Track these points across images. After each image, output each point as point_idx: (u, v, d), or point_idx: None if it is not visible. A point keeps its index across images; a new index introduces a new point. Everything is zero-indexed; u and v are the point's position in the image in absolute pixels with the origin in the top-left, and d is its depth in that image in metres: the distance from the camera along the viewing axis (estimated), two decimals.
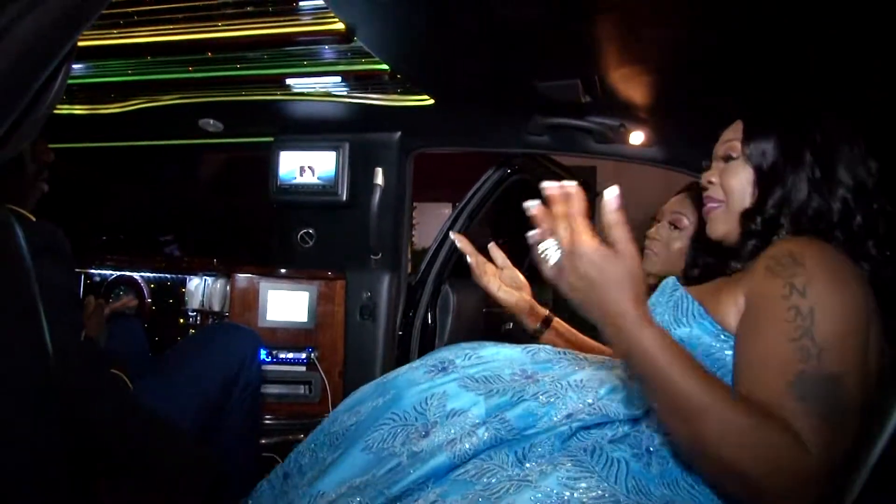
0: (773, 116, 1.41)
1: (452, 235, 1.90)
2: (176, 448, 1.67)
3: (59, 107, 2.71)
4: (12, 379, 1.10)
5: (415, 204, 8.16)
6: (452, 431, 1.30)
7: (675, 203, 2.17)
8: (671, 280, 1.44)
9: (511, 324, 3.48)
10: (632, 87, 2.14)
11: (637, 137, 2.45)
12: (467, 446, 1.27)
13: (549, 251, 1.16)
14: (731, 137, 1.43)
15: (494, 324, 3.40)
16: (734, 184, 1.40)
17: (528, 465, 1.25)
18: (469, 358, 1.51)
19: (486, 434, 1.28)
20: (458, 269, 3.24)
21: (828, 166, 1.33)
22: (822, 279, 1.15)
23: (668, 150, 2.44)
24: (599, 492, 1.18)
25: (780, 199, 1.33)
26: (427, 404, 1.38)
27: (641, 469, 1.23)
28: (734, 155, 1.41)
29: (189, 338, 2.31)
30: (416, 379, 1.47)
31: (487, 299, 3.31)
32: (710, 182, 1.45)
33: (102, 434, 1.41)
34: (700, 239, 1.62)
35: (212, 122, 2.78)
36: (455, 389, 1.40)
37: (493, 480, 1.23)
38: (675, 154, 2.43)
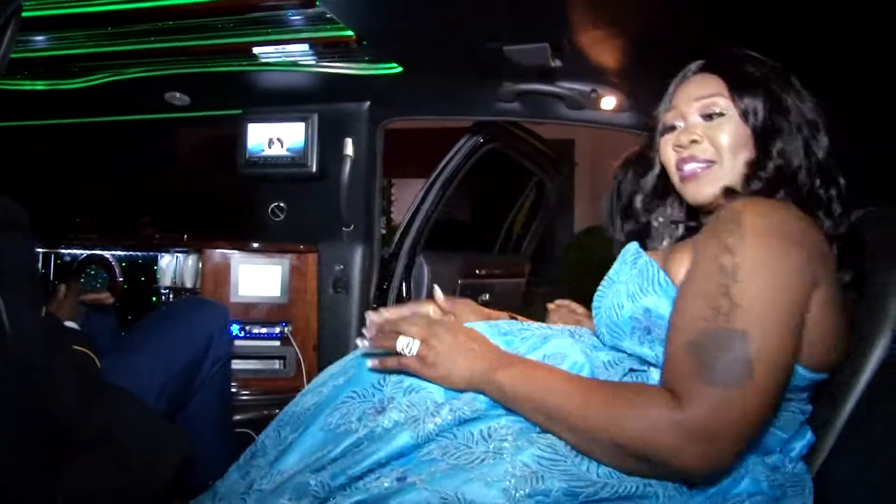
0: (757, 72, 1.35)
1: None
2: (144, 425, 1.65)
3: (20, 83, 2.67)
4: None
5: (393, 180, 8.20)
6: (413, 410, 1.27)
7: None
8: (633, 246, 1.39)
9: (487, 295, 3.47)
10: (603, 50, 2.12)
11: (609, 103, 2.43)
12: (431, 427, 1.23)
13: (407, 347, 1.31)
14: (708, 93, 1.35)
15: (470, 296, 3.39)
16: (727, 141, 1.32)
17: (494, 443, 1.22)
18: None
19: (450, 415, 1.24)
20: (431, 242, 3.23)
21: (809, 123, 1.32)
22: (755, 236, 1.13)
23: (640, 116, 2.42)
24: (572, 476, 1.15)
25: (780, 152, 1.29)
26: (385, 380, 1.34)
27: None
28: (720, 111, 1.33)
29: (155, 313, 2.27)
30: (375, 354, 1.43)
31: (463, 271, 3.31)
32: (694, 140, 1.35)
33: (67, 411, 1.39)
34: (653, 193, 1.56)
35: (178, 95, 2.73)
36: None
37: (461, 455, 1.21)
38: (647, 119, 2.41)
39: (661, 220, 1.57)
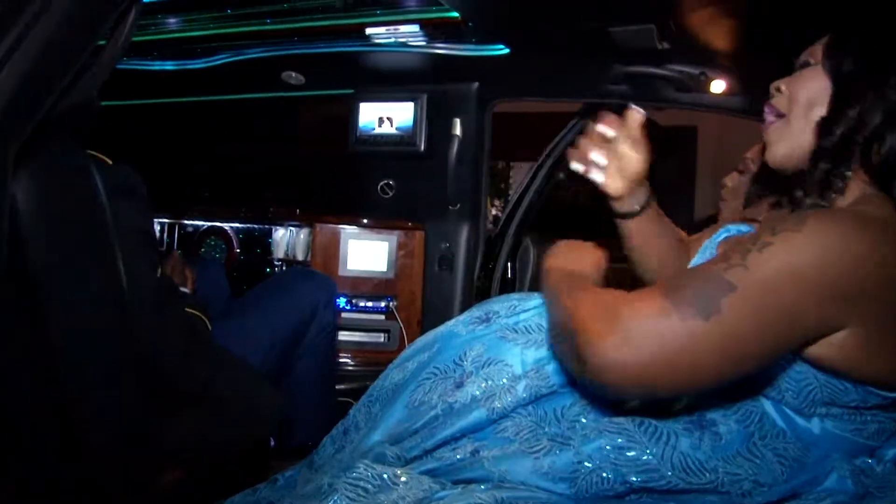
0: (864, 31, 1.24)
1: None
2: (246, 385, 1.73)
3: (151, 63, 2.83)
4: (89, 315, 1.17)
5: (511, 164, 8.17)
6: (488, 385, 1.29)
7: (750, 151, 2.13)
8: (732, 227, 1.38)
9: None
10: (711, 31, 2.08)
11: (719, 86, 2.39)
12: (505, 402, 1.25)
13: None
14: (815, 45, 1.27)
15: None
16: (803, 92, 1.23)
17: (565, 423, 1.23)
18: (514, 308, 1.44)
19: (525, 392, 1.25)
20: (539, 223, 3.23)
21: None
22: (808, 239, 1.02)
23: (751, 100, 2.36)
24: (642, 464, 1.16)
25: (856, 116, 1.16)
26: (465, 356, 1.35)
27: (692, 444, 1.18)
28: (810, 60, 1.25)
29: (265, 282, 2.37)
30: (458, 331, 1.43)
31: None
32: (778, 90, 1.29)
33: (174, 366, 1.48)
34: (760, 174, 1.50)
35: (293, 74, 2.83)
36: (493, 340, 1.36)
37: (531, 437, 1.22)
38: (761, 103, 2.35)
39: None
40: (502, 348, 1.34)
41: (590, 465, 1.17)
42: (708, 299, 1.00)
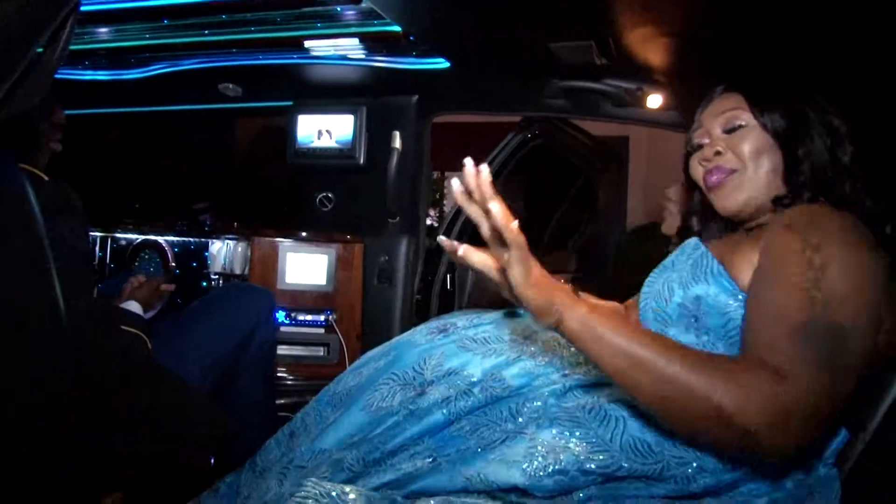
0: (776, 85, 1.40)
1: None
2: (188, 405, 1.70)
3: (83, 73, 2.76)
4: (26, 335, 1.14)
5: (446, 173, 8.19)
6: (448, 390, 1.33)
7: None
8: (694, 240, 1.45)
9: None
10: (648, 49, 2.12)
11: (655, 101, 2.43)
12: (462, 403, 1.30)
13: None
14: (729, 108, 1.40)
15: None
16: (749, 149, 1.36)
17: (521, 419, 1.27)
18: (471, 321, 1.52)
19: (482, 393, 1.31)
20: (478, 235, 3.24)
21: (832, 128, 1.34)
22: (838, 239, 1.15)
23: (686, 114, 2.41)
24: (592, 446, 1.20)
25: (807, 154, 1.33)
26: (425, 364, 1.40)
27: (640, 428, 1.23)
28: (742, 123, 1.38)
29: (203, 298, 2.34)
30: (416, 340, 1.49)
31: None
32: (718, 153, 1.39)
33: (114, 390, 1.45)
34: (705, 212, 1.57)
35: (231, 86, 2.79)
36: (453, 349, 1.41)
37: (487, 433, 1.26)
38: (692, 117, 2.41)
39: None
40: (462, 357, 1.39)
41: (544, 450, 1.21)
42: (836, 352, 1.08)
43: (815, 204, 1.29)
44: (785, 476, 1.24)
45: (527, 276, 1.09)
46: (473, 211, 1.12)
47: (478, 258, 1.12)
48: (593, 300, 1.77)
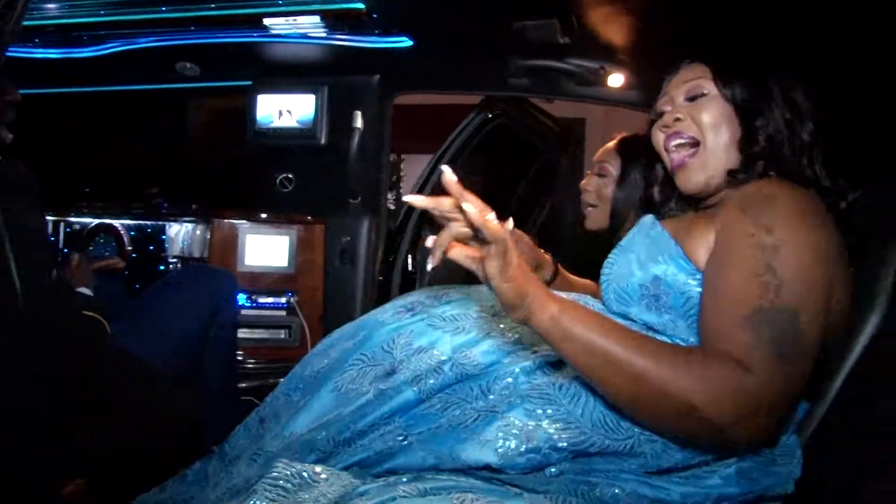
0: (741, 58, 1.41)
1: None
2: (152, 390, 1.68)
3: (33, 51, 2.68)
4: None
5: (403, 156, 8.17)
6: (418, 368, 1.32)
7: (601, 153, 2.20)
8: (650, 218, 1.45)
9: None
10: (610, 27, 2.12)
11: (617, 80, 2.44)
12: (432, 381, 1.29)
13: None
14: (693, 77, 1.41)
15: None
16: (708, 119, 1.37)
17: (492, 396, 1.27)
18: (438, 298, 1.52)
19: (452, 372, 1.30)
20: (435, 223, 3.23)
21: (793, 104, 1.35)
22: (790, 219, 1.17)
23: (647, 93, 2.42)
24: (563, 423, 1.21)
25: (764, 126, 1.34)
26: (394, 343, 1.39)
27: (611, 404, 1.24)
28: (704, 92, 1.39)
29: (163, 281, 2.30)
30: (384, 320, 1.48)
31: None
32: (678, 119, 1.40)
33: (76, 373, 1.42)
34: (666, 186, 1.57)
35: (188, 65, 2.74)
36: (422, 328, 1.41)
37: (458, 412, 1.26)
38: (655, 97, 2.42)
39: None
40: (431, 335, 1.39)
41: (516, 429, 1.21)
42: (793, 337, 1.11)
43: (769, 180, 1.30)
44: (750, 450, 1.26)
45: (504, 270, 1.08)
46: (446, 208, 1.08)
47: (455, 252, 1.10)
48: (571, 277, 1.78)
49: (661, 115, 1.47)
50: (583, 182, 2.25)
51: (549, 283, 1.73)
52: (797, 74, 1.40)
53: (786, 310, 1.10)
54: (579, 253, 1.98)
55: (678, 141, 1.40)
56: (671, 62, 1.52)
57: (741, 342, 1.10)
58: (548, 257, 1.74)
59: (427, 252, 1.08)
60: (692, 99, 1.40)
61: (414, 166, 7.62)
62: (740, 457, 1.25)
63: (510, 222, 1.52)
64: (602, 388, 1.15)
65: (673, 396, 1.08)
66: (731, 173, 1.35)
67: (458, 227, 1.07)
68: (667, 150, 1.43)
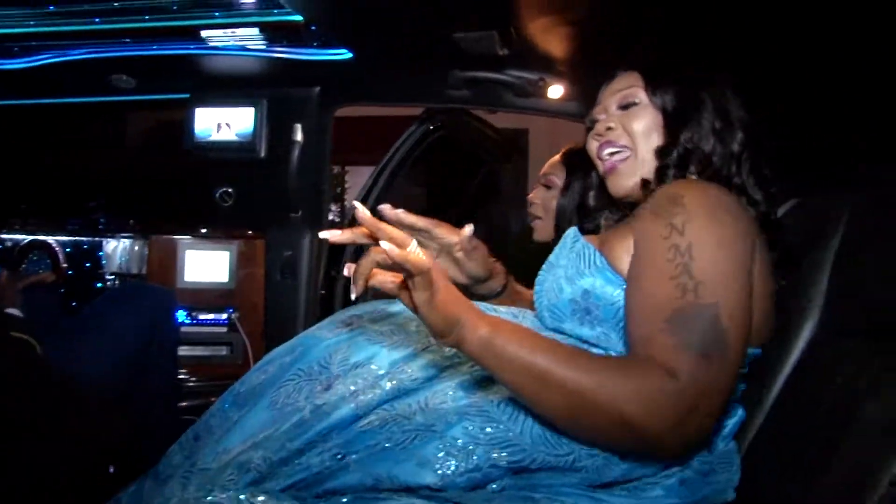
0: (673, 67, 1.45)
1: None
2: (84, 412, 1.63)
3: None
4: None
5: (347, 168, 8.14)
6: (356, 383, 1.30)
7: (547, 166, 2.25)
8: (572, 231, 1.46)
9: None
10: (550, 39, 2.13)
11: (556, 91, 2.45)
12: (370, 397, 1.27)
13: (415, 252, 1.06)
14: (626, 86, 1.44)
15: None
16: (640, 127, 1.40)
17: (430, 412, 1.25)
18: (377, 313, 1.50)
19: (389, 384, 1.29)
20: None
21: (725, 114, 1.38)
22: (701, 216, 1.18)
23: (587, 104, 2.43)
24: (503, 441, 1.20)
25: (690, 138, 1.36)
26: (331, 358, 1.37)
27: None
28: (636, 101, 1.42)
29: (99, 300, 2.25)
30: (322, 335, 1.46)
31: None
32: (610, 128, 1.43)
33: (5, 396, 1.37)
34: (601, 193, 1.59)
35: (124, 77, 2.68)
36: (359, 343, 1.39)
37: (396, 429, 1.24)
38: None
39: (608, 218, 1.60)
40: (368, 350, 1.37)
41: (455, 450, 1.20)
42: (716, 335, 1.11)
43: (676, 181, 1.33)
44: (691, 457, 1.26)
45: (430, 299, 1.07)
46: (366, 242, 1.08)
47: (378, 280, 1.09)
48: (520, 289, 1.77)
49: (595, 121, 1.50)
50: (530, 195, 2.27)
51: (498, 294, 1.73)
52: (731, 84, 1.43)
53: (705, 309, 1.11)
54: (524, 264, 1.98)
55: (610, 149, 1.43)
56: (609, 73, 1.54)
57: (665, 346, 1.10)
58: (500, 268, 1.73)
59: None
60: (625, 108, 1.43)
61: (358, 178, 7.59)
62: (681, 467, 1.25)
63: (469, 227, 1.54)
64: (537, 406, 1.15)
65: (606, 408, 1.08)
66: (644, 183, 1.38)
67: (379, 254, 1.05)
68: (600, 157, 1.46)
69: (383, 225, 1.05)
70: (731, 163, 1.37)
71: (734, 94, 1.42)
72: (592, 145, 1.49)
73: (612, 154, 1.44)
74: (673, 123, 1.38)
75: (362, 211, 1.05)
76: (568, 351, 1.16)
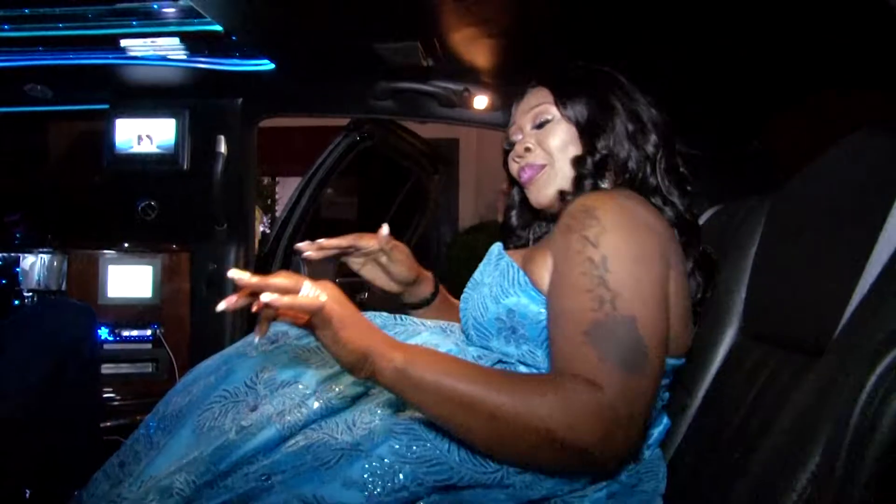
0: (580, 78, 1.45)
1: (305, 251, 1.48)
2: None
3: None
4: None
5: (277, 179, 8.08)
6: (282, 403, 1.27)
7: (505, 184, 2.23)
8: (497, 247, 1.45)
9: (366, 294, 3.46)
10: (474, 49, 2.15)
11: (481, 102, 2.47)
12: (297, 417, 1.24)
13: (313, 292, 1.04)
14: (537, 103, 1.44)
15: (348, 294, 3.37)
16: (556, 143, 1.39)
17: (357, 430, 1.23)
18: (304, 330, 1.46)
19: (317, 404, 1.26)
20: (311, 239, 3.19)
21: (636, 116, 1.39)
22: (614, 227, 1.18)
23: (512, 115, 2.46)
24: (430, 460, 1.19)
25: (606, 146, 1.36)
26: (258, 378, 1.33)
27: None
28: (548, 118, 1.41)
29: (14, 318, 2.17)
30: (248, 353, 1.42)
31: (340, 269, 3.30)
32: (528, 149, 1.43)
33: None
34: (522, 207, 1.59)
35: (39, 87, 2.60)
36: (286, 361, 1.36)
37: (322, 449, 1.22)
38: None
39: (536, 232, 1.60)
40: (295, 369, 1.34)
41: (382, 469, 1.18)
42: (635, 347, 1.11)
43: (587, 194, 1.31)
44: (619, 469, 1.27)
45: (335, 335, 1.06)
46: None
47: (284, 322, 1.06)
48: (451, 299, 1.76)
49: (512, 143, 1.49)
50: (498, 203, 2.27)
51: (429, 302, 1.70)
52: (640, 86, 1.44)
53: (623, 320, 1.11)
54: (452, 273, 1.98)
55: (531, 173, 1.42)
56: (520, 91, 1.55)
57: (587, 360, 1.10)
58: (428, 274, 1.72)
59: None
60: (539, 126, 1.43)
61: (289, 189, 7.55)
62: (609, 481, 1.25)
63: (384, 227, 1.54)
64: (461, 433, 1.12)
65: (531, 428, 1.07)
66: (562, 194, 1.38)
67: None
68: (519, 177, 1.46)
69: (267, 280, 1.01)
70: (646, 164, 1.38)
71: (643, 93, 1.44)
72: (513, 167, 1.48)
73: (531, 173, 1.43)
74: (587, 134, 1.38)
75: (240, 277, 1.01)
76: (487, 373, 1.16)
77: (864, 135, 1.20)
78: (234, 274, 1.02)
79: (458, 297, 1.86)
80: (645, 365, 1.10)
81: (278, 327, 1.48)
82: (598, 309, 1.12)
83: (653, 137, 1.38)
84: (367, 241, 1.56)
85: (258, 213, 4.56)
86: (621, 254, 1.15)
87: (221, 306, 1.02)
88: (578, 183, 1.36)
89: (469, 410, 1.08)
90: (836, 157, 1.28)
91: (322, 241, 1.34)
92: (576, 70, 1.47)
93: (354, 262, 1.61)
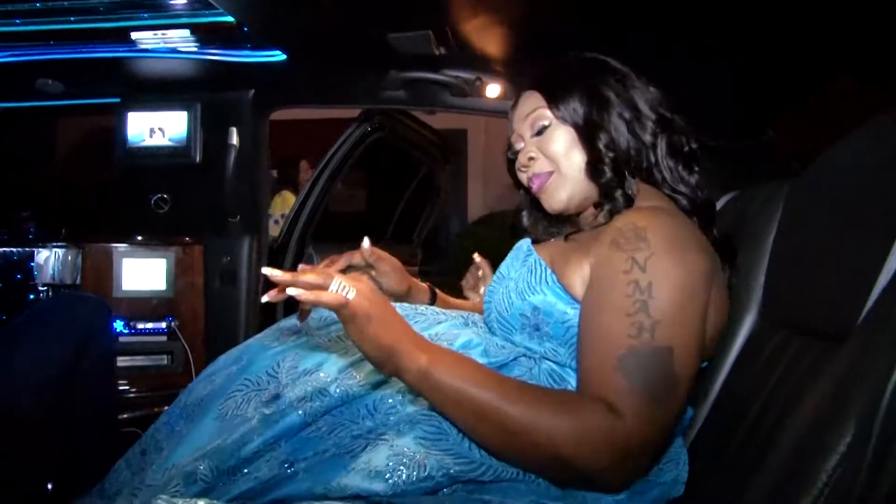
0: (569, 74, 1.43)
1: None
2: (14, 429, 1.57)
3: None
4: None
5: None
6: (304, 390, 1.27)
7: None
8: (525, 243, 1.45)
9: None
10: (486, 38, 2.14)
11: (493, 91, 2.46)
12: (318, 404, 1.25)
13: (342, 290, 1.07)
14: (532, 109, 1.42)
15: None
16: (558, 148, 1.38)
17: (378, 417, 1.23)
18: (324, 319, 1.47)
19: (338, 390, 1.26)
20: (325, 232, 3.20)
21: (632, 105, 1.38)
22: (664, 252, 1.17)
23: None
24: (456, 456, 1.19)
25: (608, 144, 1.34)
26: (279, 367, 1.34)
27: None
28: (546, 123, 1.39)
29: (28, 312, 2.17)
30: (269, 343, 1.43)
31: None
32: (531, 158, 1.41)
33: None
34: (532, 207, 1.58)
35: (50, 82, 2.60)
36: (307, 350, 1.36)
37: (345, 434, 1.22)
38: None
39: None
40: (316, 358, 1.34)
41: (407, 458, 1.19)
42: (667, 379, 1.12)
43: (638, 211, 1.29)
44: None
45: (361, 331, 1.08)
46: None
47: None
48: (450, 299, 1.76)
49: (515, 151, 1.48)
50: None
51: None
52: (653, 75, 1.43)
53: (659, 350, 1.11)
54: (464, 263, 1.96)
55: (539, 181, 1.42)
56: (514, 97, 1.53)
57: (614, 387, 1.10)
58: (423, 285, 1.72)
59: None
60: (539, 133, 1.41)
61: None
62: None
63: (366, 241, 1.55)
64: (476, 438, 1.17)
65: (538, 444, 1.09)
66: (596, 206, 1.38)
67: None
68: (531, 187, 1.45)
69: (298, 277, 1.06)
70: (648, 153, 1.37)
71: (639, 78, 1.42)
72: (522, 177, 1.47)
73: (539, 182, 1.42)
74: (587, 134, 1.36)
75: (273, 273, 1.07)
76: (507, 384, 1.16)
77: (885, 121, 1.19)
78: (267, 271, 1.07)
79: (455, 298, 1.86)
80: (673, 397, 1.12)
81: (297, 319, 1.49)
82: (637, 336, 1.12)
83: (650, 124, 1.37)
84: (357, 258, 1.58)
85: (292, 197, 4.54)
86: (668, 281, 1.15)
87: (265, 299, 1.10)
88: (607, 194, 1.35)
89: (482, 418, 1.12)
90: (856, 144, 1.26)
91: (316, 265, 1.37)
92: (564, 66, 1.45)
93: None
